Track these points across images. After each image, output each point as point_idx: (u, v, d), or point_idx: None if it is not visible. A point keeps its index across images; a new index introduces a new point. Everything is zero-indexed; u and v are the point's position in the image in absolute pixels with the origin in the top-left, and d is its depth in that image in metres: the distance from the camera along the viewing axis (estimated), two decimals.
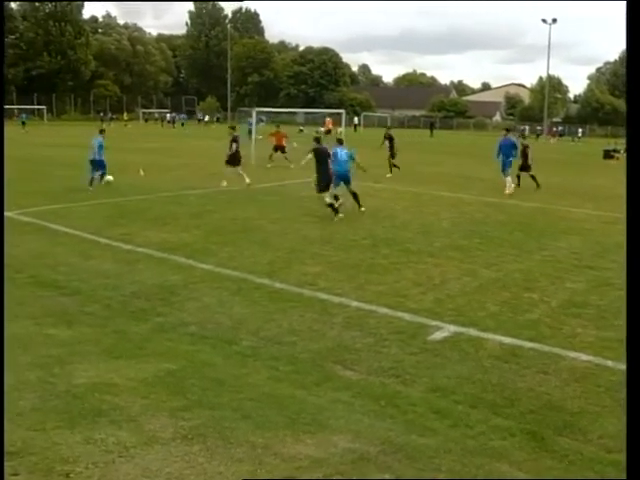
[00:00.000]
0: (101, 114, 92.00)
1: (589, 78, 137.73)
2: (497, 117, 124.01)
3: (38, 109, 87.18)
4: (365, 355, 7.45)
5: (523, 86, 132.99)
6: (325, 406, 6.06)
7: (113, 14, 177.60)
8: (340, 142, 18.52)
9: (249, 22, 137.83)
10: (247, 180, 22.32)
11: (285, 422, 5.68)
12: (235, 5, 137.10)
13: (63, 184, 21.65)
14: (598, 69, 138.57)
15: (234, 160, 22.62)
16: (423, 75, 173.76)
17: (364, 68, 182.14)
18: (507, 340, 8.10)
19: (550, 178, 29.27)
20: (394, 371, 6.99)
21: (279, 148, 30.78)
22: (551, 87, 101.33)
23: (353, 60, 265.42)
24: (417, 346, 7.79)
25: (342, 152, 17.86)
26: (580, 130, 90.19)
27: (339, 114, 36.68)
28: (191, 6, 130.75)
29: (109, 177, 21.89)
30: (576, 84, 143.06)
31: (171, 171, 23.77)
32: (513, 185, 23.31)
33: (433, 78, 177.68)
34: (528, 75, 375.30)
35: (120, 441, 5.18)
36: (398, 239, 14.23)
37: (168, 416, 5.68)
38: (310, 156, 17.85)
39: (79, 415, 5.58)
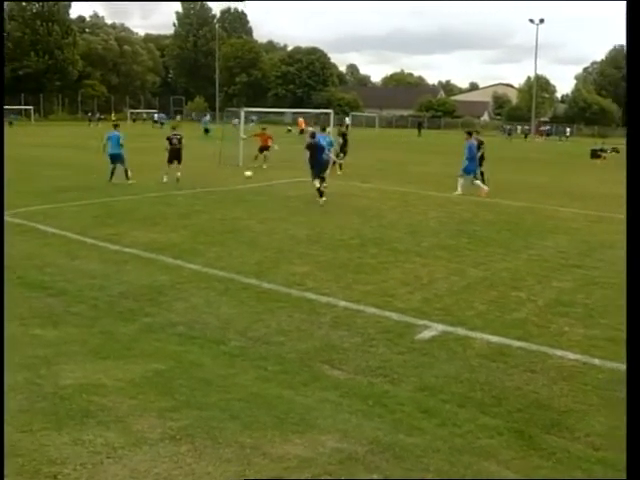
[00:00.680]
0: (89, 114, 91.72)
1: (576, 78, 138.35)
2: (485, 117, 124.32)
3: (25, 109, 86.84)
4: (353, 355, 7.45)
5: (511, 86, 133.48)
6: (313, 406, 6.07)
7: (101, 14, 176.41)
8: (323, 130, 22.07)
9: (237, 22, 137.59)
10: (178, 174, 23.47)
11: (273, 422, 5.68)
12: (223, 5, 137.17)
13: (51, 184, 21.57)
14: (585, 69, 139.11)
15: (176, 156, 24.06)
16: (411, 75, 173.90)
17: (352, 68, 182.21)
18: (495, 339, 8.12)
19: (538, 177, 29.44)
20: (382, 370, 6.99)
21: (264, 149, 30.82)
22: (539, 87, 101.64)
23: (341, 60, 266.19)
24: (405, 345, 7.79)
25: (323, 141, 20.48)
26: (568, 130, 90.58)
27: (327, 114, 36.62)
28: (179, 6, 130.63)
29: (131, 181, 22.70)
30: (564, 84, 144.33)
31: (159, 171, 23.68)
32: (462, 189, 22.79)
33: (421, 78, 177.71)
34: (516, 75, 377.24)
35: (108, 442, 5.16)
36: (386, 239, 14.25)
37: (156, 417, 5.67)
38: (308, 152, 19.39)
39: (66, 416, 5.57)
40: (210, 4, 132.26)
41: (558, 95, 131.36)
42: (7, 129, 57.41)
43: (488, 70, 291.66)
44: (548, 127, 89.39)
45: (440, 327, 8.51)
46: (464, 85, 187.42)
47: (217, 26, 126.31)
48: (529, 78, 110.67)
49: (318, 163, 19.13)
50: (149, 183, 22.52)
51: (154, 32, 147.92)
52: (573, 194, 23.91)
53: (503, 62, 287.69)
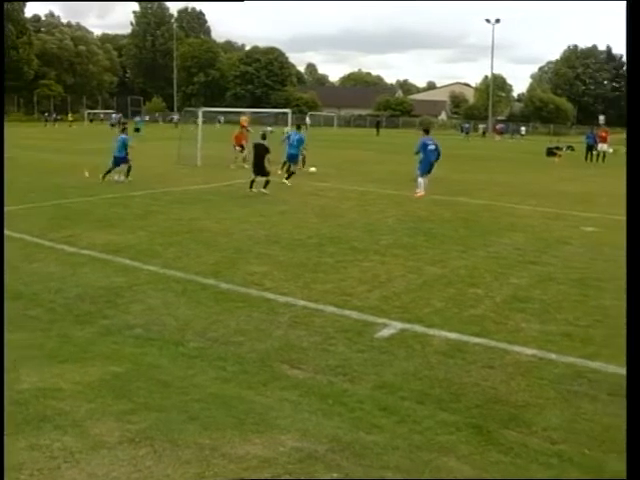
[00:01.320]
0: (45, 114, 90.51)
1: (532, 77, 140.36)
2: (443, 116, 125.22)
3: None
4: (312, 354, 7.45)
5: (468, 85, 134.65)
6: (273, 406, 6.06)
7: (56, 13, 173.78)
8: (298, 128, 26.19)
9: (195, 22, 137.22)
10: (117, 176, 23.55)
11: (233, 423, 5.67)
12: (181, 5, 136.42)
13: (6, 186, 21.20)
14: (541, 68, 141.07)
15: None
16: (369, 74, 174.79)
17: (311, 67, 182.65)
18: (453, 336, 8.18)
19: (495, 175, 29.71)
20: (341, 369, 7.00)
21: (240, 147, 30.75)
22: (495, 86, 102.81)
23: (299, 60, 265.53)
24: (364, 344, 7.82)
25: (295, 136, 25.00)
26: (523, 128, 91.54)
27: (285, 114, 36.60)
28: (136, 6, 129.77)
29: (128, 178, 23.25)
30: (520, 83, 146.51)
31: (114, 172, 23.52)
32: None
33: (379, 77, 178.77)
34: (473, 74, 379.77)
35: (66, 446, 5.12)
36: (344, 237, 14.27)
37: (114, 420, 5.63)
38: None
39: (23, 421, 5.50)
40: (168, 4, 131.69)
41: (514, 94, 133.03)
42: None
43: (445, 69, 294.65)
44: (502, 125, 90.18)
45: (399, 325, 8.54)
46: (422, 84, 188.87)
47: (175, 26, 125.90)
48: (486, 77, 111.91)
49: (258, 164, 20.84)
50: (105, 184, 22.26)
51: (111, 32, 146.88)
52: (530, 192, 24.14)
53: (460, 61, 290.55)
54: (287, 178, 23.82)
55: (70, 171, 24.91)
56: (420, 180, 21.99)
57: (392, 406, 6.14)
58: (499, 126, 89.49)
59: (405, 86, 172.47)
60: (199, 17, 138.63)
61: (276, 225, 15.69)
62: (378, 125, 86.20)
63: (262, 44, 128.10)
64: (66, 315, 8.66)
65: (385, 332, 8.28)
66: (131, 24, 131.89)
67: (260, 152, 20.84)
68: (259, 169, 20.83)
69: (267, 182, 20.85)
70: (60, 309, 8.90)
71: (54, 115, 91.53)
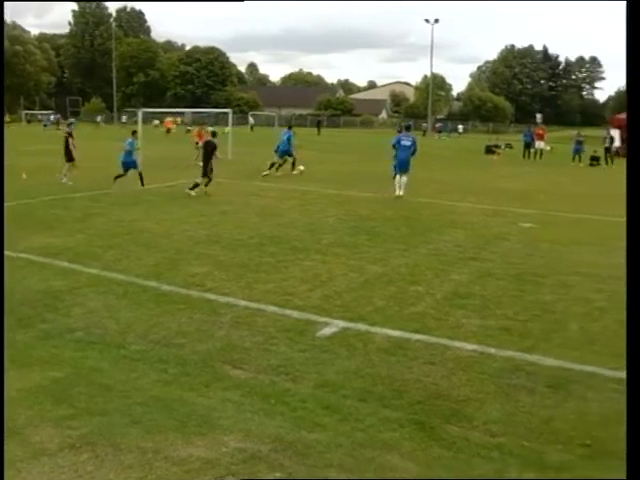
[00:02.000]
0: None
1: (471, 76, 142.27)
2: (383, 115, 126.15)
3: None
4: (254, 354, 7.45)
5: (408, 84, 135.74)
6: (215, 407, 6.05)
7: None
8: (289, 127, 29.45)
9: (135, 21, 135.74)
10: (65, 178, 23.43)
11: (175, 425, 5.65)
12: (120, 4, 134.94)
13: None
14: (479, 68, 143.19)
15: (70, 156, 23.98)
16: (310, 74, 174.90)
17: (252, 67, 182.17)
18: (394, 333, 8.25)
19: (435, 173, 29.99)
20: (283, 369, 7.02)
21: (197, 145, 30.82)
22: (435, 85, 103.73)
23: (241, 59, 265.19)
24: (306, 343, 7.84)
25: (285, 135, 28.78)
26: (461, 127, 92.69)
27: (225, 114, 36.49)
28: (74, 5, 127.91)
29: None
30: (459, 82, 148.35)
31: (57, 174, 23.15)
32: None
33: (320, 77, 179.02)
34: (412, 73, 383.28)
35: (6, 455, 5.03)
36: (285, 237, 14.28)
37: (54, 426, 5.57)
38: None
39: None
40: (106, 3, 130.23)
41: (454, 93, 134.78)
42: None
43: (385, 69, 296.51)
44: (440, 124, 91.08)
45: (340, 323, 8.59)
46: (362, 84, 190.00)
47: (114, 25, 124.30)
48: (425, 76, 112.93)
49: (207, 163, 21.17)
50: (44, 186, 21.89)
51: (49, 31, 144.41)
52: (470, 189, 24.45)
53: (400, 61, 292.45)
54: (273, 169, 27.67)
55: (7, 173, 24.40)
56: (397, 179, 21.60)
57: (334, 404, 6.18)
58: (437, 125, 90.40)
59: (346, 86, 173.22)
60: (139, 17, 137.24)
61: (217, 225, 15.63)
62: (319, 125, 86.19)
63: (203, 44, 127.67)
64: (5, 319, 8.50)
65: (327, 331, 8.31)
66: (69, 24, 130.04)
67: (208, 149, 21.31)
68: (204, 168, 21.07)
69: (209, 181, 21.13)
70: None
71: None
